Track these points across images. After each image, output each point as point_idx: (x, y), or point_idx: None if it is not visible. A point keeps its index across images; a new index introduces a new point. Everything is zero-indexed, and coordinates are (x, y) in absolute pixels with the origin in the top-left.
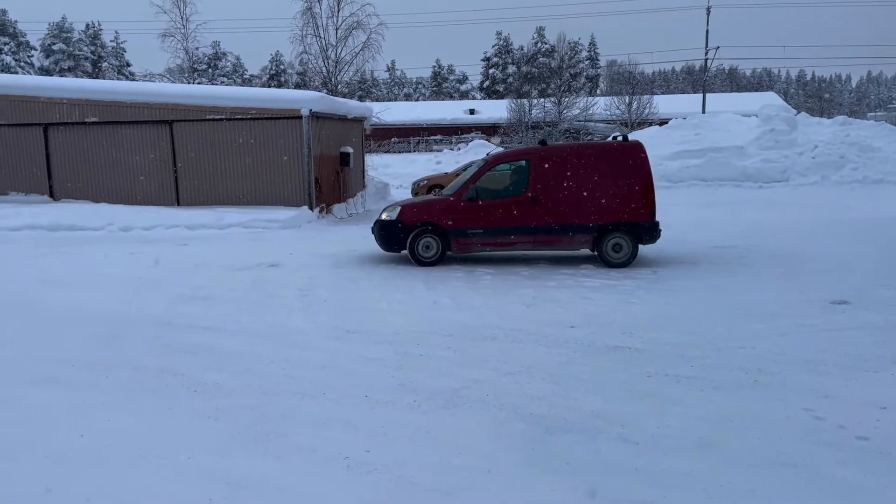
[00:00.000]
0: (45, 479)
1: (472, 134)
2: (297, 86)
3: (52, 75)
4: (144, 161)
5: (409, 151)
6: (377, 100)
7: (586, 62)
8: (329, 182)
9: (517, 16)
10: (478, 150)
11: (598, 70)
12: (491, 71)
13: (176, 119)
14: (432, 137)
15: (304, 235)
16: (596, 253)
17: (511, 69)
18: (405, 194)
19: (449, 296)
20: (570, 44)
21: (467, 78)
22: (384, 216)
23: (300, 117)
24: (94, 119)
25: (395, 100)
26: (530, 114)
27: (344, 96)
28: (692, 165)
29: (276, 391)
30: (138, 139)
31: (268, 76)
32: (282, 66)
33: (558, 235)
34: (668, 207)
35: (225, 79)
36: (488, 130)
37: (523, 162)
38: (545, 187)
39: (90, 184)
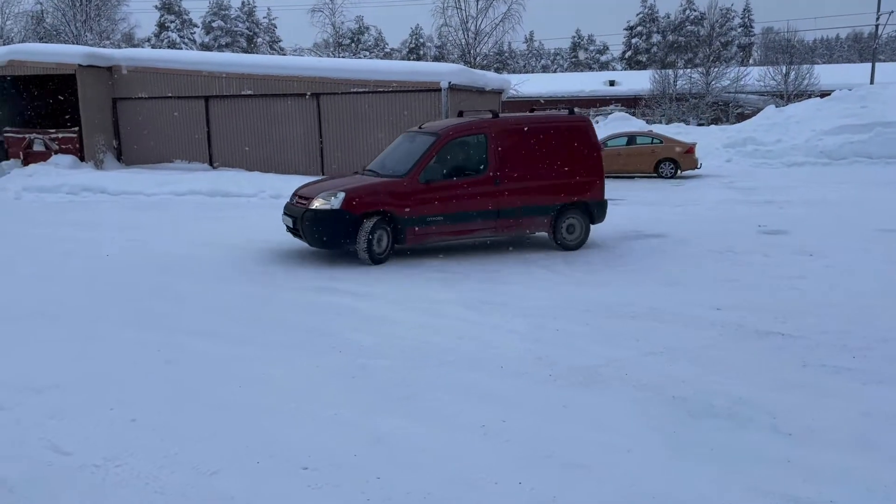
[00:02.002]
0: (209, 425)
1: (612, 106)
2: (436, 59)
3: (211, 51)
4: (293, 132)
5: None
6: (513, 72)
7: (739, 30)
8: None
9: None
10: (618, 123)
11: (752, 38)
12: (634, 41)
13: (322, 92)
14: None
15: None
16: (551, 235)
17: (655, 38)
18: None
19: (586, 271)
20: (721, 10)
21: (608, 48)
22: (319, 204)
23: (439, 90)
24: (249, 92)
25: (532, 72)
26: (675, 85)
27: (482, 68)
28: (856, 141)
29: (415, 356)
30: (288, 111)
31: (407, 49)
32: (421, 40)
33: (520, 219)
34: (827, 186)
35: (367, 53)
36: (628, 103)
37: (481, 136)
38: (506, 165)
39: (244, 153)
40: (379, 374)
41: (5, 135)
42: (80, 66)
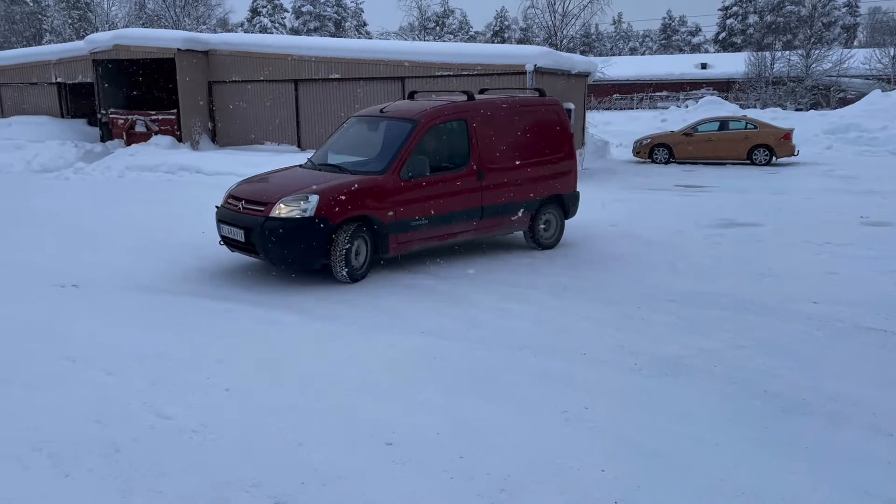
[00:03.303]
0: (296, 398)
1: (703, 90)
2: (520, 42)
3: (300, 35)
4: None
5: (632, 108)
6: (600, 54)
7: (843, 10)
8: None
9: None
10: (709, 107)
11: (858, 18)
12: (728, 21)
13: (407, 76)
14: (657, 94)
15: None
16: (529, 234)
17: (752, 19)
18: (625, 153)
19: (673, 260)
20: None
21: (700, 30)
22: (285, 211)
23: (524, 73)
24: (336, 75)
25: (619, 54)
26: (772, 68)
27: (568, 51)
28: None
29: (495, 339)
30: (373, 95)
31: (492, 32)
32: (506, 23)
33: (503, 217)
34: None
35: (451, 36)
36: (721, 86)
37: (461, 122)
38: (487, 156)
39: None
40: (459, 355)
41: (110, 115)
42: (178, 50)
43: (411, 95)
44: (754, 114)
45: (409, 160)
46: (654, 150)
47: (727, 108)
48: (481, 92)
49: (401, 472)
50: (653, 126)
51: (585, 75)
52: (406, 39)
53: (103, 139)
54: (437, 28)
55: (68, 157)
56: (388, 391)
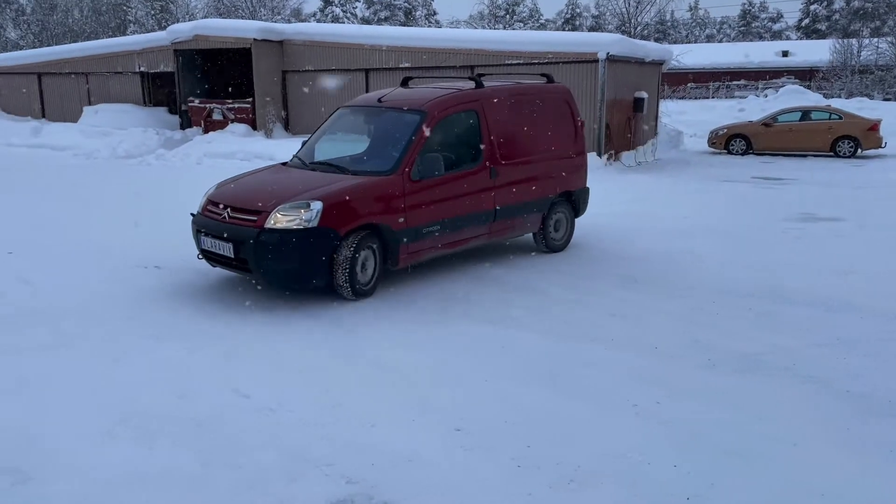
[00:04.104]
0: (368, 381)
1: (783, 79)
2: (591, 29)
3: (371, 24)
4: None
5: (707, 98)
6: (674, 42)
7: None
8: (619, 128)
9: None
10: (791, 96)
11: None
12: (812, 7)
13: (477, 64)
14: (734, 83)
15: (590, 182)
16: (541, 236)
17: (838, 4)
18: (700, 144)
19: (747, 253)
20: None
21: (782, 16)
22: (283, 221)
23: (596, 61)
24: (406, 64)
25: (695, 41)
26: (858, 56)
27: (642, 39)
28: None
29: (564, 330)
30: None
31: (562, 20)
32: (577, 10)
33: (515, 218)
34: None
35: (521, 24)
36: (803, 75)
37: (471, 113)
38: (500, 151)
39: None
40: (528, 345)
41: (189, 104)
42: (255, 40)
43: (405, 83)
44: (839, 104)
45: (419, 158)
46: (731, 141)
47: (809, 98)
48: (479, 77)
49: (469, 458)
50: (729, 116)
51: (660, 63)
52: (476, 28)
53: (183, 127)
54: (507, 16)
55: (150, 143)
56: (458, 378)
